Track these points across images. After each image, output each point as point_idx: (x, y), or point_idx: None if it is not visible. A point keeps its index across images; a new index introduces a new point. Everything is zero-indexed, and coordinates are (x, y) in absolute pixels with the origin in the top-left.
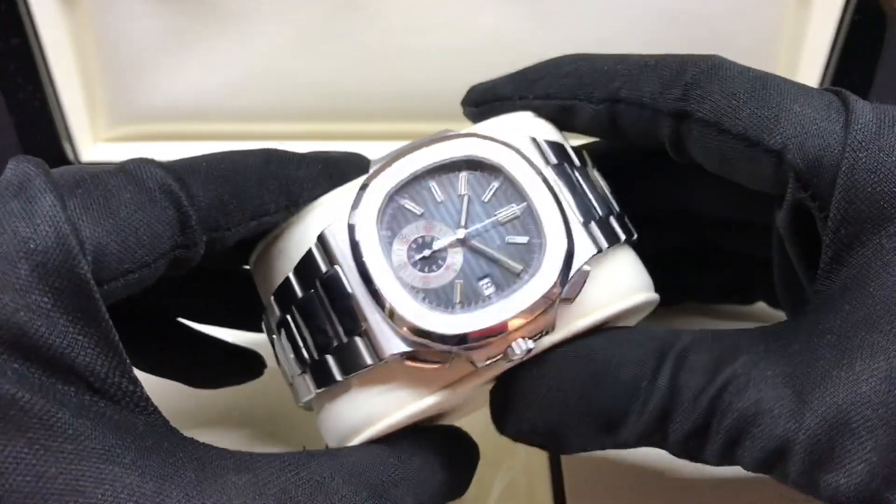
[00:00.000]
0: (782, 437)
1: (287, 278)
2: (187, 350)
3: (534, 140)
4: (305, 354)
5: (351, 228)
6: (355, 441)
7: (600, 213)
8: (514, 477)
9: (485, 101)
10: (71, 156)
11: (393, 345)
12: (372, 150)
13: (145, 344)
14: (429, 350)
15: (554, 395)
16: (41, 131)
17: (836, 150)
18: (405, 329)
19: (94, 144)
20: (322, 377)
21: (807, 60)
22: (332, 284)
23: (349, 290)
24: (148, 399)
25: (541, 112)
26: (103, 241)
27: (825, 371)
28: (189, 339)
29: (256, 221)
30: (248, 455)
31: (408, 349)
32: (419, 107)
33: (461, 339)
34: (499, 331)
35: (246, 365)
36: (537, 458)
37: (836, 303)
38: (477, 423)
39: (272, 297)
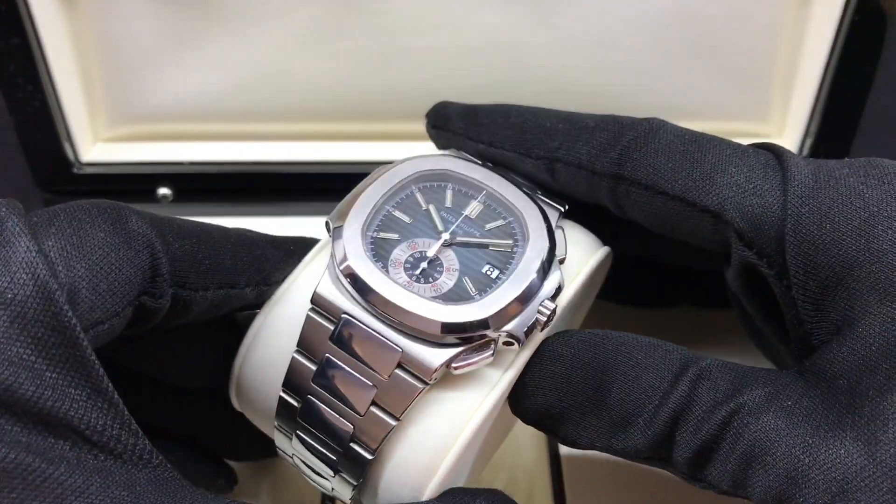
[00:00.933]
0: (797, 467)
1: (294, 359)
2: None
3: (457, 153)
4: (328, 452)
5: (347, 271)
6: (432, 486)
7: (537, 189)
8: (514, 477)
9: (440, 127)
10: (71, 156)
11: (436, 357)
12: (372, 151)
13: None
14: (470, 346)
15: (574, 377)
16: (41, 131)
17: (776, 208)
18: (440, 333)
19: (94, 144)
20: (375, 431)
21: (807, 60)
22: (349, 334)
23: (367, 330)
24: (153, 451)
25: (484, 156)
26: (75, 284)
27: (840, 415)
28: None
29: (225, 291)
30: None
31: (451, 354)
32: (419, 107)
33: (496, 319)
34: (525, 297)
35: (217, 476)
36: (537, 458)
37: (837, 348)
38: None
39: (276, 419)
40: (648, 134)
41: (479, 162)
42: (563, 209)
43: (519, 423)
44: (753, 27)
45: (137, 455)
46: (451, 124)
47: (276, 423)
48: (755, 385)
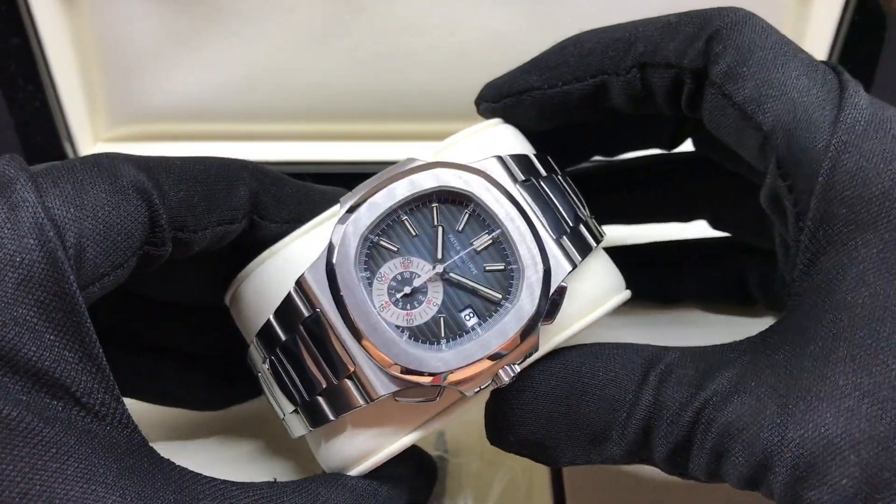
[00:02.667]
0: (765, 451)
1: (269, 321)
2: (172, 373)
3: (500, 159)
4: (296, 395)
5: (331, 272)
6: (354, 472)
7: (570, 223)
8: (514, 477)
9: (509, 95)
10: (71, 155)
11: (382, 386)
12: (372, 151)
13: (131, 369)
14: (418, 387)
15: (541, 409)
16: (41, 131)
17: (821, 147)
18: (393, 369)
19: (94, 144)
20: (315, 417)
21: None
22: (316, 329)
23: (333, 334)
24: (129, 417)
25: (571, 95)
26: (81, 244)
27: (809, 385)
28: (175, 362)
29: (222, 228)
30: (223, 483)
31: (397, 388)
32: (419, 107)
33: (454, 374)
34: (487, 364)
35: (243, 382)
36: None
37: (817, 310)
38: (478, 422)
39: (255, 339)
40: (734, 26)
41: (508, 189)
42: (576, 264)
43: None
44: None
45: (118, 419)
46: (518, 84)
47: (254, 339)
48: (720, 371)
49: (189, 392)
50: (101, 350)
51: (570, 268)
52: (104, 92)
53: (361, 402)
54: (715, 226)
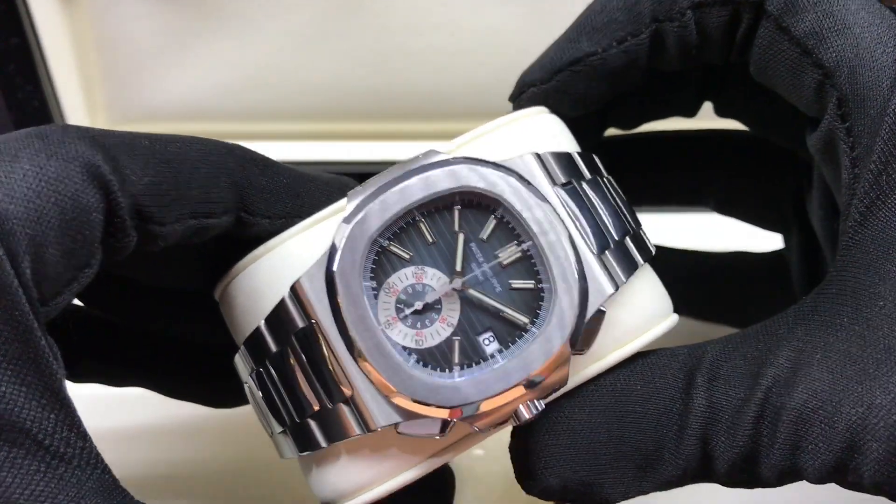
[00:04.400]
0: (851, 428)
1: (258, 328)
2: (172, 361)
3: (537, 157)
4: (284, 415)
5: (330, 280)
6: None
7: (616, 235)
8: (514, 477)
9: (561, 69)
10: None
11: (383, 416)
12: (372, 150)
13: (134, 355)
14: (425, 420)
15: (580, 443)
16: None
17: (886, 87)
18: (397, 397)
19: None
20: (304, 442)
21: None
22: (310, 343)
23: (329, 351)
24: (98, 456)
25: (630, 55)
26: (39, 252)
27: (889, 343)
28: (174, 350)
29: (196, 221)
30: None
31: (400, 419)
32: (419, 106)
33: (465, 410)
34: (505, 400)
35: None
36: None
37: (880, 262)
38: None
39: (243, 347)
40: None
41: (545, 193)
42: (618, 286)
43: None
44: None
45: (85, 459)
46: (570, 55)
47: (241, 347)
48: (775, 353)
49: (194, 383)
50: (61, 381)
51: (611, 290)
52: (103, 92)
53: (358, 431)
54: (720, 210)
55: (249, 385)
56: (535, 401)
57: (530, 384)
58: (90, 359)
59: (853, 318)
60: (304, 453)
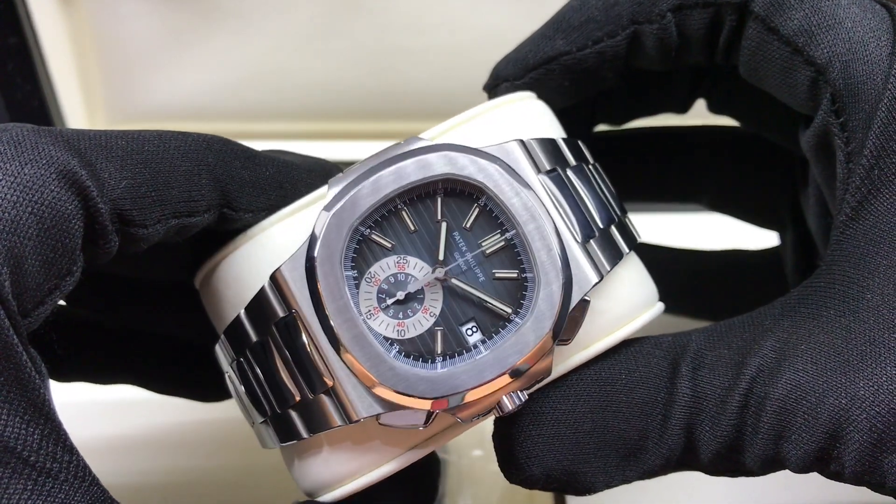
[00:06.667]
0: (833, 418)
1: (238, 317)
2: (155, 356)
3: (522, 143)
4: (265, 405)
5: (310, 269)
6: (326, 497)
7: (600, 223)
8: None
9: (535, 67)
10: None
11: (364, 407)
12: (372, 150)
13: (114, 352)
14: (406, 411)
15: (563, 433)
16: None
17: (879, 80)
18: (379, 388)
19: None
20: (286, 432)
21: None
22: (290, 334)
23: (310, 341)
24: (86, 469)
25: (604, 56)
26: (17, 255)
27: (874, 336)
28: (157, 344)
29: (179, 221)
30: None
31: (381, 410)
32: (419, 106)
33: (449, 401)
34: (488, 391)
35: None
36: None
37: (870, 256)
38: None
39: (223, 336)
40: None
41: (529, 180)
42: (603, 275)
43: None
44: None
45: (73, 473)
46: (544, 52)
47: (222, 337)
48: (760, 343)
49: (179, 377)
50: (47, 395)
51: (595, 279)
52: (102, 91)
53: (339, 422)
54: (714, 207)
55: (230, 375)
56: (519, 392)
57: (515, 373)
58: (74, 358)
59: (839, 311)
60: (286, 444)
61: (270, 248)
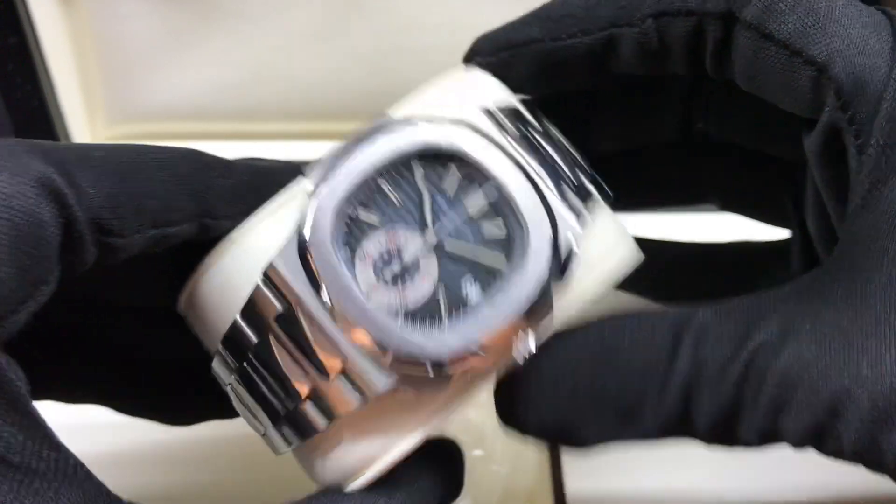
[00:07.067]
0: (834, 395)
1: (235, 323)
2: (124, 379)
3: (487, 111)
4: (277, 404)
5: (305, 256)
6: (356, 484)
7: (571, 177)
8: (514, 477)
9: (506, 49)
10: None
11: (379, 382)
12: None
13: (82, 374)
14: (421, 377)
15: (563, 382)
16: (39, 131)
17: (883, 71)
18: (391, 360)
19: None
20: (303, 429)
21: None
22: (292, 325)
23: (313, 328)
24: (77, 464)
25: (576, 50)
26: None
27: (880, 316)
28: (127, 367)
29: (158, 231)
30: None
31: (397, 381)
32: None
33: (459, 356)
34: (496, 340)
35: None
36: (537, 459)
37: (880, 240)
38: (478, 422)
39: (221, 346)
40: None
41: (501, 143)
42: (584, 224)
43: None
44: None
45: (61, 470)
46: (518, 36)
47: (219, 347)
48: (766, 319)
49: (151, 399)
50: (25, 395)
51: (578, 227)
52: (102, 91)
53: (356, 402)
54: (725, 208)
55: (233, 386)
56: (526, 340)
57: (520, 319)
58: (42, 373)
59: (847, 292)
60: (304, 440)
61: (255, 249)
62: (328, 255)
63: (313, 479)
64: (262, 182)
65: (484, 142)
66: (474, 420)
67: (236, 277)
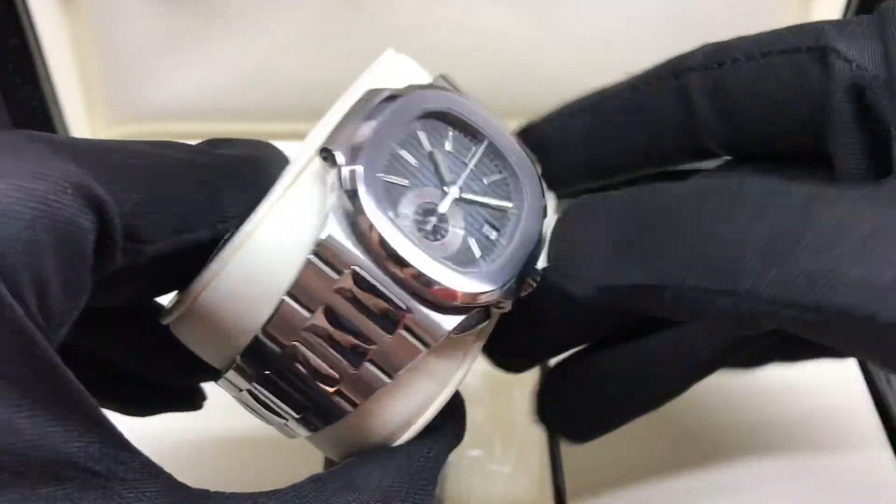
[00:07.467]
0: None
1: (283, 303)
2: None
3: (442, 77)
4: (337, 373)
5: (359, 224)
6: (406, 436)
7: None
8: (514, 477)
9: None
10: None
11: (444, 324)
12: None
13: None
14: (476, 312)
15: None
16: (39, 131)
17: (875, 30)
18: (450, 302)
19: None
20: (365, 387)
21: None
22: (359, 286)
23: (378, 287)
24: (150, 463)
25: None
26: (42, 287)
27: None
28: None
29: (179, 237)
30: (265, 495)
31: (459, 321)
32: None
33: (504, 290)
34: (528, 266)
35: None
36: (538, 459)
37: None
38: (478, 421)
39: (240, 359)
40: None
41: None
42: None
43: (518, 427)
44: (754, 27)
45: (139, 471)
46: (552, 125)
47: (238, 360)
48: (805, 183)
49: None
50: (94, 403)
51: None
52: (103, 91)
53: (422, 348)
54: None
55: (250, 391)
56: (533, 267)
57: (538, 252)
58: None
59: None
60: (366, 399)
61: (271, 241)
62: (382, 219)
63: (342, 453)
64: (261, 175)
65: (462, 100)
66: (474, 420)
67: (254, 279)
